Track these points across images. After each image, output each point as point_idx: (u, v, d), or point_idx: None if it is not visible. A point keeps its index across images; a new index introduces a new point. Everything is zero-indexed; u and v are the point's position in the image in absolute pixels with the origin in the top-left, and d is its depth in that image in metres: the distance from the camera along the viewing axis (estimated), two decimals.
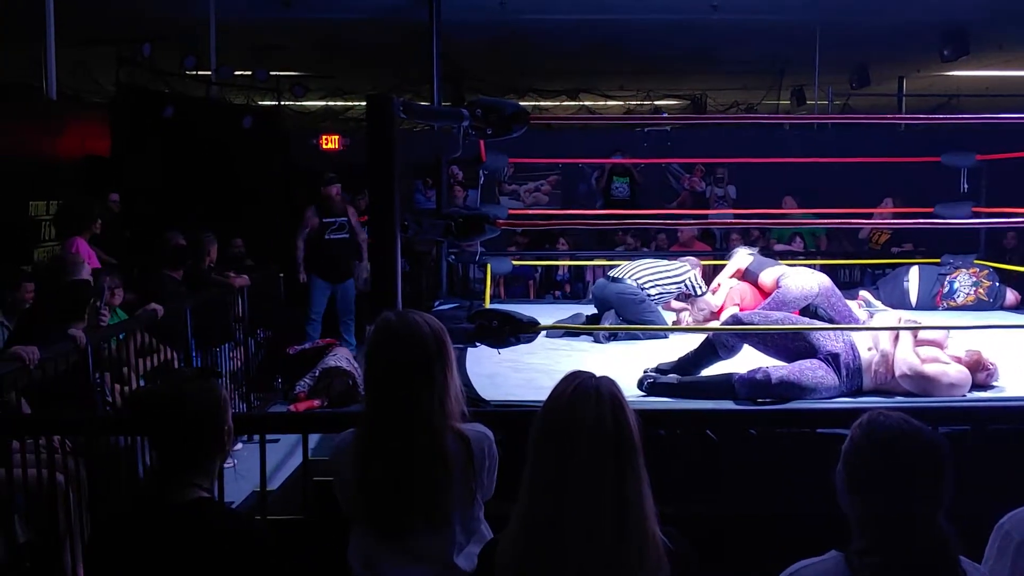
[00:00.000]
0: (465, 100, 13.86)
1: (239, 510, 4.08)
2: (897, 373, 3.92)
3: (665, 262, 6.11)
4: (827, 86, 13.20)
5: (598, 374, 1.99)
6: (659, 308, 5.88)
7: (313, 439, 5.02)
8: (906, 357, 3.94)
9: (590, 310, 6.21)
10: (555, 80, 14.79)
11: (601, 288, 5.95)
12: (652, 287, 5.78)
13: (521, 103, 4.95)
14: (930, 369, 3.92)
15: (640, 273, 5.84)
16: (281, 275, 8.40)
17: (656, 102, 16.66)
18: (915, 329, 4.11)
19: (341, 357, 7.27)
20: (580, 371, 2.00)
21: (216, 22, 9.89)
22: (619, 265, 6.10)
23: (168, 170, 9.20)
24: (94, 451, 3.62)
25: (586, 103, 16.09)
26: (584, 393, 1.91)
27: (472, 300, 6.61)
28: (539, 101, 15.81)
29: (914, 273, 6.99)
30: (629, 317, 5.65)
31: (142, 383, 4.90)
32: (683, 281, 5.89)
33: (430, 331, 2.34)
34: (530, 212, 10.49)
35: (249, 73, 11.25)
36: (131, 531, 2.04)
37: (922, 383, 3.90)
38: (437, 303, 6.63)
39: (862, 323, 5.54)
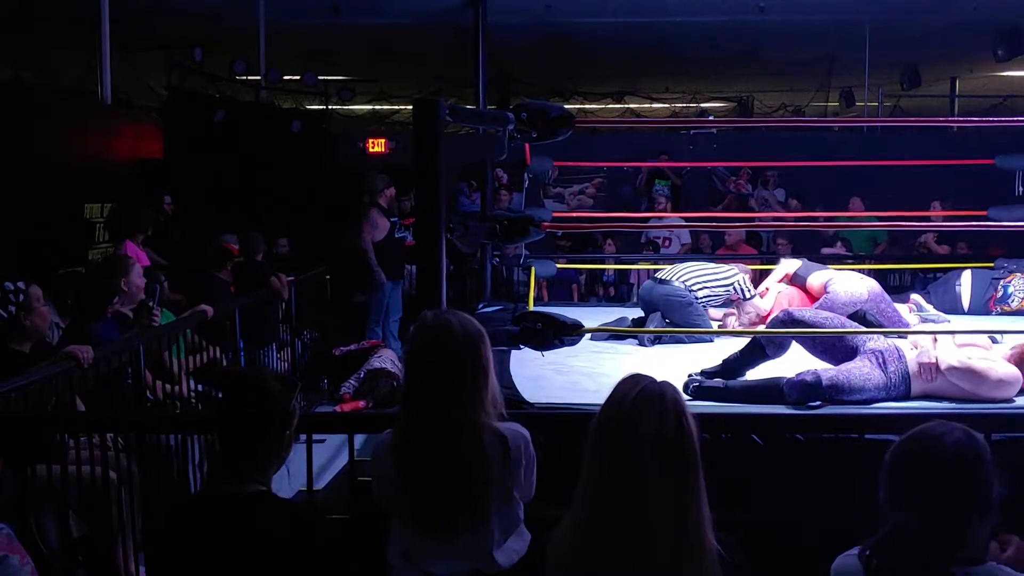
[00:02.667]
0: (511, 103, 13.89)
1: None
2: (944, 366, 3.86)
3: (713, 265, 6.06)
4: (877, 87, 13.01)
5: (630, 377, 1.96)
6: (706, 312, 5.83)
7: (359, 440, 5.07)
8: (952, 352, 3.89)
9: (635, 313, 6.18)
10: (600, 83, 14.77)
11: (648, 290, 5.91)
12: (700, 289, 5.74)
13: (566, 106, 4.96)
14: (978, 363, 3.86)
15: (688, 275, 5.80)
16: (328, 277, 8.48)
17: (702, 104, 16.56)
18: (954, 332, 4.06)
19: (386, 359, 7.31)
20: (642, 374, 1.96)
21: (265, 27, 10.03)
22: (665, 268, 6.06)
23: (218, 173, 9.34)
24: (146, 449, 3.68)
25: (631, 106, 16.04)
26: (648, 399, 1.88)
27: (517, 303, 6.62)
28: (584, 104, 15.79)
29: (966, 277, 6.86)
30: (676, 319, 5.61)
31: (191, 382, 4.98)
32: (732, 284, 5.83)
33: (467, 331, 2.37)
34: (574, 215, 10.47)
35: (298, 77, 11.38)
36: (192, 520, 2.11)
37: (970, 376, 3.83)
38: (481, 305, 6.65)
39: (907, 328, 5.46)
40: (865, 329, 4.49)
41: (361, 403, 6.84)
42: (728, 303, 6.06)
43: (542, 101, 4.04)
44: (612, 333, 5.55)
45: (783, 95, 15.50)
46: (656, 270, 6.41)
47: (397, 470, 2.34)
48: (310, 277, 8.00)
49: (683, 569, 1.82)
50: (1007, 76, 13.37)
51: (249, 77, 10.77)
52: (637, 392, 1.89)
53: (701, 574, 1.83)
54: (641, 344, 5.46)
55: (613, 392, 1.94)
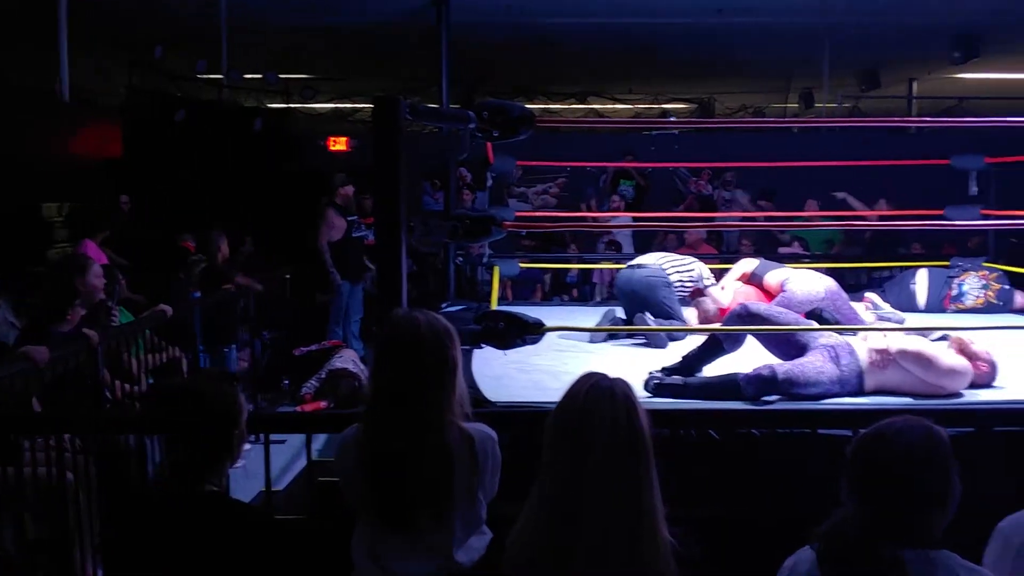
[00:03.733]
0: (475, 102, 13.89)
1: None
2: (895, 350, 3.92)
3: (674, 255, 6.09)
4: (836, 89, 13.18)
5: (584, 375, 2.01)
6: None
7: (320, 441, 5.06)
8: (904, 338, 3.98)
9: (600, 312, 6.19)
10: (564, 83, 14.83)
11: (627, 278, 5.80)
12: (673, 273, 5.75)
13: (530, 106, 4.97)
14: (929, 350, 3.94)
15: (661, 260, 5.82)
16: (288, 276, 8.45)
17: (664, 105, 16.67)
18: (910, 330, 4.13)
19: (347, 359, 7.28)
20: (595, 372, 2.02)
21: (228, 25, 9.96)
22: (639, 257, 6.05)
23: (179, 172, 9.26)
24: (104, 450, 3.65)
25: (595, 106, 16.12)
26: (599, 394, 1.94)
27: (480, 302, 6.64)
28: (548, 104, 15.85)
29: (922, 276, 6.98)
30: (657, 300, 5.58)
31: (150, 382, 4.95)
32: (693, 272, 5.86)
33: (436, 330, 2.37)
34: (537, 214, 10.50)
35: (260, 76, 11.32)
36: (147, 521, 2.11)
37: (922, 361, 3.89)
38: (445, 305, 6.65)
39: (860, 326, 5.54)
40: (834, 327, 4.55)
41: (322, 403, 6.81)
42: (686, 301, 6.10)
43: (504, 100, 4.05)
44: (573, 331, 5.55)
45: (744, 97, 15.66)
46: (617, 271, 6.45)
47: (363, 468, 2.34)
48: (272, 277, 7.97)
49: (638, 561, 1.86)
50: (963, 78, 13.61)
51: (211, 76, 10.70)
52: (588, 388, 1.95)
53: (655, 566, 1.87)
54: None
55: (567, 390, 1.99)
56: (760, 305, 4.58)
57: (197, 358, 5.76)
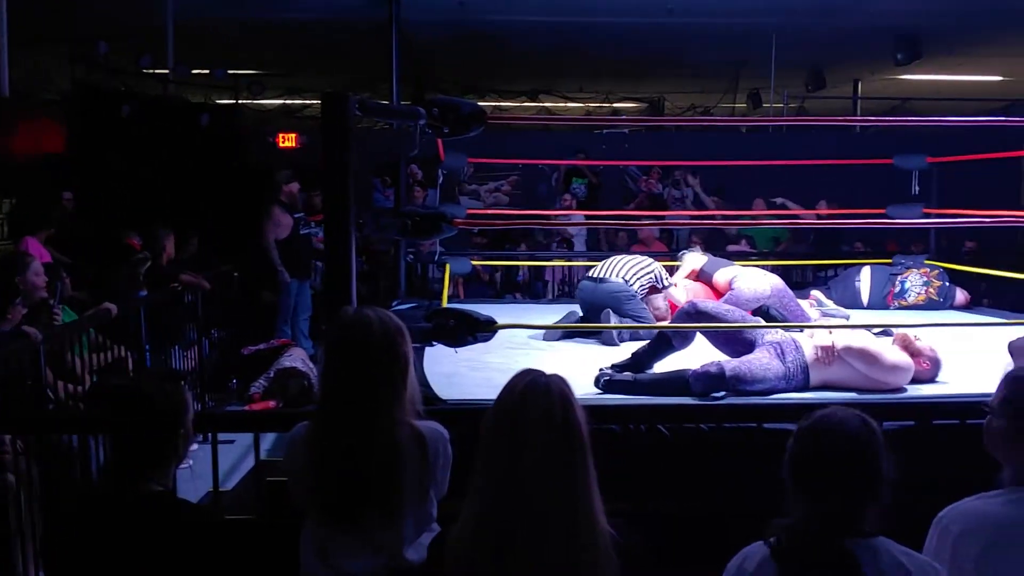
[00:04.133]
0: (425, 99, 13.84)
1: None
2: (840, 347, 3.99)
3: (632, 256, 6.08)
4: (783, 89, 13.37)
5: (549, 372, 2.04)
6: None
7: (268, 441, 5.00)
8: (849, 335, 4.05)
9: (552, 310, 6.20)
10: (515, 81, 14.84)
11: (591, 291, 5.79)
12: (636, 281, 5.76)
13: (481, 104, 4.96)
14: (873, 346, 4.02)
15: (621, 269, 5.78)
16: (236, 274, 8.35)
17: (615, 104, 16.77)
18: (855, 327, 4.20)
19: (296, 358, 7.21)
20: (531, 368, 2.06)
21: (174, 20, 9.81)
22: (595, 265, 6.01)
23: (124, 169, 9.11)
24: (46, 450, 3.58)
25: (546, 104, 16.16)
26: (534, 389, 1.97)
27: (431, 300, 6.61)
28: (499, 102, 15.85)
29: (866, 273, 7.11)
30: (625, 313, 5.57)
31: (94, 380, 4.86)
32: (653, 272, 5.87)
33: (387, 328, 2.36)
34: (489, 212, 10.50)
35: (207, 72, 11.16)
36: (91, 522, 2.07)
37: (866, 357, 3.96)
38: (395, 303, 6.62)
39: (813, 322, 5.63)
40: (781, 324, 4.62)
41: (271, 403, 6.75)
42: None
43: (455, 97, 4.04)
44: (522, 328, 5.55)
45: (693, 96, 15.80)
46: (589, 267, 6.42)
47: (312, 466, 2.33)
48: (219, 275, 7.86)
49: (578, 554, 1.88)
50: (907, 79, 13.88)
51: (156, 71, 10.53)
52: (524, 384, 1.98)
53: (595, 558, 1.89)
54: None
55: (504, 387, 2.03)
56: (709, 303, 4.64)
57: (144, 357, 5.66)
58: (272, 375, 6.93)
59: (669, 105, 16.43)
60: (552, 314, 6.41)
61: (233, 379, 7.42)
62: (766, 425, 3.44)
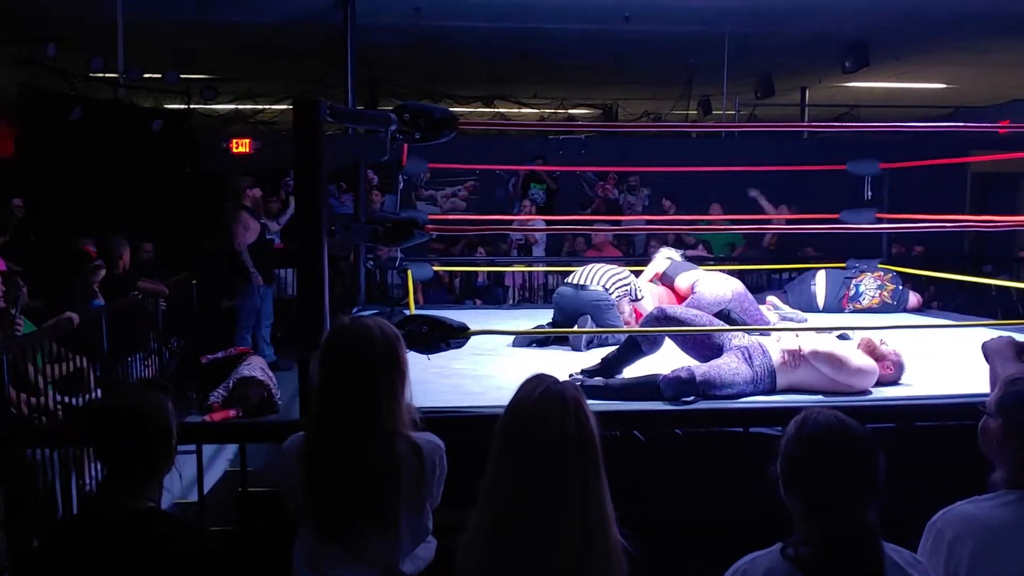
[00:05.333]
0: (379, 104, 13.78)
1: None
2: (807, 351, 4.05)
3: (608, 266, 6.08)
4: (734, 96, 13.54)
5: (533, 378, 2.01)
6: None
7: (230, 451, 4.93)
8: (815, 339, 4.11)
9: (516, 315, 6.20)
10: (470, 87, 14.83)
11: (571, 298, 5.78)
12: (615, 289, 5.76)
13: None
14: (839, 351, 4.09)
15: (602, 277, 5.79)
16: (194, 282, 8.23)
17: (570, 111, 16.84)
18: (811, 330, 4.26)
19: (255, 367, 7.12)
20: (543, 374, 2.02)
21: (124, 23, 9.63)
22: (576, 272, 6.00)
23: (75, 174, 8.92)
24: (11, 466, 3.50)
25: (501, 110, 16.18)
26: (549, 397, 1.94)
27: (392, 306, 6.58)
28: (454, 107, 15.81)
29: (821, 277, 7.23)
30: (604, 321, 5.60)
31: (52, 392, 4.75)
32: (629, 284, 5.89)
33: (383, 337, 2.34)
34: (450, 217, 10.50)
35: (159, 76, 10.98)
36: (83, 540, 2.02)
37: (832, 361, 4.03)
38: (356, 309, 6.57)
39: (772, 325, 5.72)
40: (750, 327, 4.68)
41: (231, 412, 6.66)
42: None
43: (424, 103, 4.03)
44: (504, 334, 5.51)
45: (646, 103, 15.92)
46: (566, 274, 6.40)
47: (308, 478, 2.29)
48: (176, 282, 7.74)
49: (591, 564, 1.86)
50: (854, 87, 14.14)
51: (107, 75, 10.34)
52: (539, 392, 1.95)
53: (608, 570, 1.88)
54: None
55: (516, 393, 1.99)
56: (677, 308, 4.68)
57: (105, 367, 5.55)
58: (231, 384, 6.84)
59: (622, 112, 16.53)
60: (516, 319, 6.42)
61: (192, 388, 7.32)
62: (736, 428, 3.48)
